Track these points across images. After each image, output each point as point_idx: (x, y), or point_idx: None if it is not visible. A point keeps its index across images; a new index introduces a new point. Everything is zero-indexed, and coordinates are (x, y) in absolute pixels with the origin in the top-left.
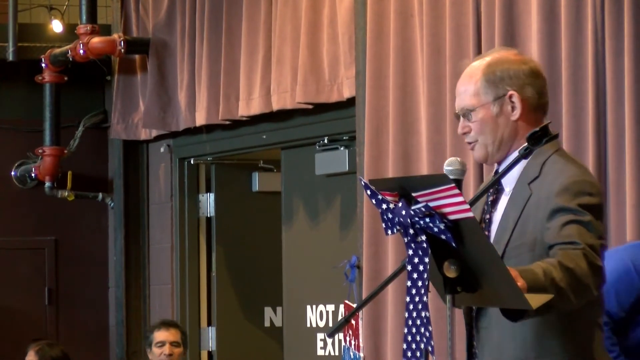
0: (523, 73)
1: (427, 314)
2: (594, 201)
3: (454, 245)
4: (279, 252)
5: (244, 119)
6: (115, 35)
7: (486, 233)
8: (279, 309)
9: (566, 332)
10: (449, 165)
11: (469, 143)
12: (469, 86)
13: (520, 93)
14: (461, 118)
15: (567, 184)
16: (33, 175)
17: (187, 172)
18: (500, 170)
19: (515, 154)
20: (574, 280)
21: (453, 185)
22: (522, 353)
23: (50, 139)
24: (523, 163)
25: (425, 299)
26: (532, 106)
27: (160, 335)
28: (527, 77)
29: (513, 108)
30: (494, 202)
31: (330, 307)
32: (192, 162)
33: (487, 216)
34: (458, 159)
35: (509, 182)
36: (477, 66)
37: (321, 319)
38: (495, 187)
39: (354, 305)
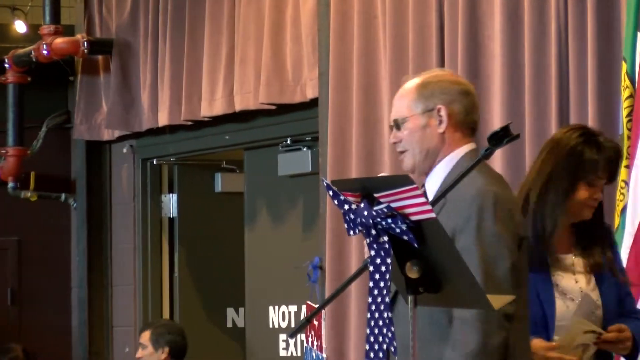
0: (454, 90)
1: (389, 315)
2: (496, 221)
3: (416, 245)
4: (241, 253)
5: (207, 119)
6: (78, 36)
7: None
8: (241, 309)
9: None
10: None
11: (400, 153)
12: (403, 99)
13: (448, 108)
14: (394, 129)
15: (474, 196)
16: None
17: (150, 172)
18: (427, 180)
19: (440, 165)
20: None
21: (415, 186)
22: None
23: (13, 140)
24: (443, 173)
25: (387, 299)
26: (459, 122)
27: None
28: (456, 94)
29: (440, 121)
30: None
31: (293, 308)
32: (154, 162)
33: None
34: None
35: (432, 192)
36: (413, 82)
37: (283, 319)
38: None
39: (316, 306)
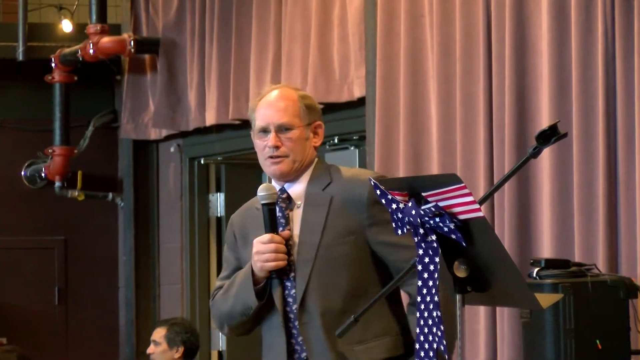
0: (319, 108)
1: (439, 313)
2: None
3: (464, 244)
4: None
5: None
6: (125, 35)
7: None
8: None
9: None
10: (262, 191)
11: (277, 157)
12: (289, 106)
13: (322, 124)
14: (273, 132)
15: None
16: (43, 175)
17: (197, 171)
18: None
19: (305, 173)
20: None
21: (463, 185)
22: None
23: (60, 139)
24: (304, 183)
25: (436, 298)
26: (323, 137)
27: None
28: (320, 111)
29: (315, 135)
30: (287, 218)
31: None
32: (202, 161)
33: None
34: (269, 184)
35: (298, 198)
36: (290, 92)
37: None
38: (287, 205)
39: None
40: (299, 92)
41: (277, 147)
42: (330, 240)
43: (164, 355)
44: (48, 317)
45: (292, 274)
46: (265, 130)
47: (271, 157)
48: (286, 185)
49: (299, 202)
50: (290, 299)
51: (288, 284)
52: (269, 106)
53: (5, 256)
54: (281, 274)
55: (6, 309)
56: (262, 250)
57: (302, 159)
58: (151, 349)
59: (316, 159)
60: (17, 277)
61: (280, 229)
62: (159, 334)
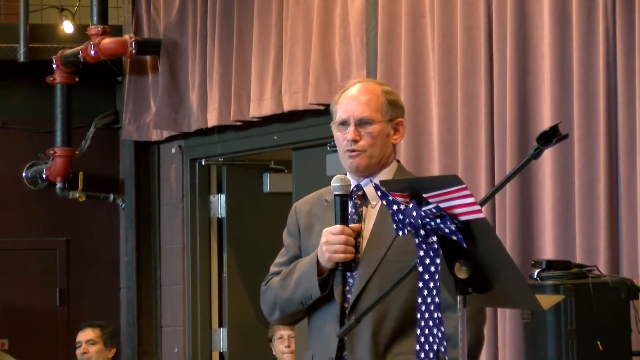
0: (403, 106)
1: (439, 315)
2: None
3: (465, 246)
4: None
5: (255, 119)
6: (126, 36)
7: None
8: None
9: None
10: (337, 182)
11: (354, 150)
12: (371, 99)
13: (404, 122)
14: (352, 126)
15: None
16: (44, 176)
17: (199, 172)
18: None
19: (383, 171)
20: None
21: (464, 186)
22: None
23: (61, 140)
24: (388, 178)
25: (437, 299)
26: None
27: (77, 337)
28: (404, 109)
29: (396, 132)
30: (360, 215)
31: None
32: (203, 163)
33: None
34: (344, 175)
35: (374, 198)
36: (374, 86)
37: None
38: (362, 202)
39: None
40: (383, 86)
41: (355, 141)
42: (401, 247)
43: (100, 355)
44: (50, 318)
45: (356, 271)
46: (345, 123)
47: (349, 150)
48: (363, 182)
49: (374, 202)
50: (349, 295)
51: (350, 280)
52: (351, 99)
53: (6, 257)
54: (347, 268)
55: (8, 310)
56: (332, 241)
57: (380, 155)
58: (85, 348)
59: (398, 164)
60: (19, 278)
61: (352, 223)
62: (92, 334)
